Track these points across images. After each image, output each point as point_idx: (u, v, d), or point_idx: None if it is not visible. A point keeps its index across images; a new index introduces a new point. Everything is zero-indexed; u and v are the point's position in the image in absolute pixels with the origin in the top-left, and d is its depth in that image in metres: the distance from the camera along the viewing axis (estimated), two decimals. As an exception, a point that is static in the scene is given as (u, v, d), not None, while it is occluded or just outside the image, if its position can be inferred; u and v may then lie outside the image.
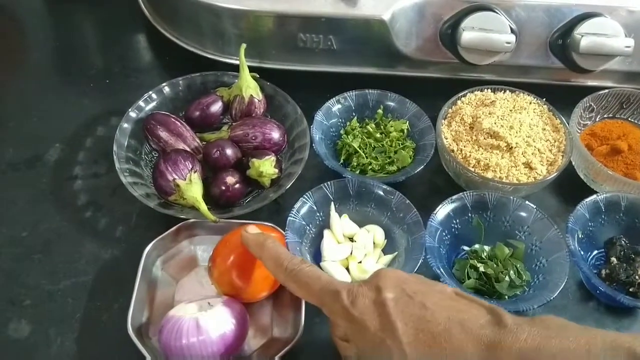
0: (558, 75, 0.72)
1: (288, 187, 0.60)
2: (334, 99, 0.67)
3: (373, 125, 0.67)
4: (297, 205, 0.57)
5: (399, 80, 0.71)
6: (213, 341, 0.48)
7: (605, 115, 0.69)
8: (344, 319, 0.41)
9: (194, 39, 0.74)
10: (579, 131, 0.68)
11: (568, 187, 0.66)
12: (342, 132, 0.68)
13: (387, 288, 0.41)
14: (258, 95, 0.66)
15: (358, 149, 0.65)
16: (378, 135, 0.66)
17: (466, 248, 0.60)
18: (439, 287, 0.43)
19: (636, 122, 0.69)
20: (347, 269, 0.58)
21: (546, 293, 0.53)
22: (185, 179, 0.58)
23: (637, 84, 0.71)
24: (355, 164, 0.65)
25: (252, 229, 0.51)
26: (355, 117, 0.68)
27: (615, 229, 0.60)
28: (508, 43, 0.65)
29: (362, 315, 0.40)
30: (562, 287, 0.53)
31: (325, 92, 0.69)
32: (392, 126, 0.67)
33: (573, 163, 0.65)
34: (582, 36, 0.65)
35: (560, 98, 0.69)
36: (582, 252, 0.57)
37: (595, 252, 0.61)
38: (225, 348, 0.49)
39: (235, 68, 0.68)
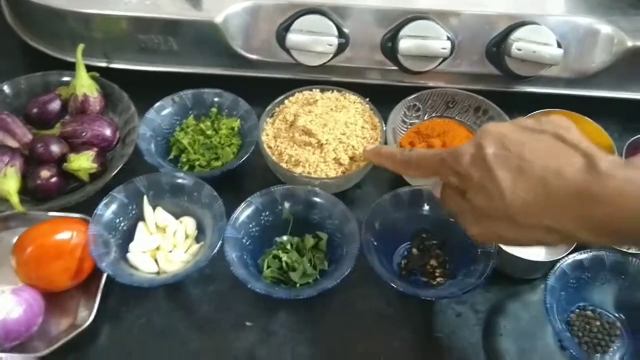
0: (393, 76, 0.74)
1: (107, 180, 0.63)
2: (169, 97, 0.70)
3: (208, 123, 0.70)
4: (105, 200, 0.60)
5: (240, 80, 0.74)
6: (-8, 326, 0.51)
7: (433, 114, 0.72)
8: (453, 176, 0.46)
9: (51, 42, 0.77)
10: (406, 129, 0.71)
11: (396, 182, 0.69)
12: (177, 129, 0.70)
13: (487, 144, 0.43)
14: (93, 94, 0.69)
15: (187, 146, 0.68)
16: (209, 132, 0.69)
17: (279, 239, 0.63)
18: (538, 136, 0.43)
19: (462, 120, 0.72)
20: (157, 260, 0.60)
21: (329, 281, 0.56)
22: (-1, 173, 0.60)
23: (464, 84, 0.73)
24: (185, 159, 0.67)
25: (370, 145, 0.64)
26: (192, 115, 0.71)
27: (422, 221, 0.63)
28: (330, 45, 0.68)
29: (467, 170, 0.44)
30: (344, 276, 0.55)
31: (169, 91, 0.71)
32: (224, 124, 0.69)
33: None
34: (402, 38, 0.68)
35: (397, 98, 0.71)
36: (376, 243, 0.59)
37: (405, 244, 0.64)
38: (5, 333, 0.51)
39: (90, 68, 0.71)
